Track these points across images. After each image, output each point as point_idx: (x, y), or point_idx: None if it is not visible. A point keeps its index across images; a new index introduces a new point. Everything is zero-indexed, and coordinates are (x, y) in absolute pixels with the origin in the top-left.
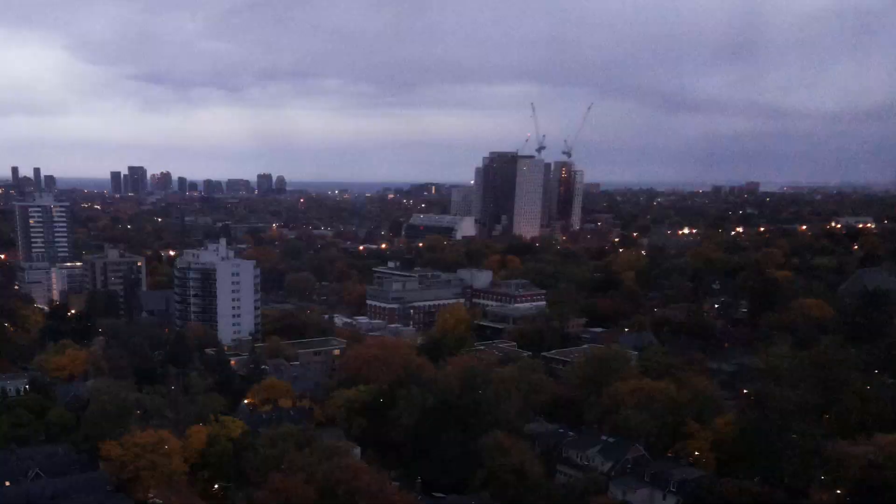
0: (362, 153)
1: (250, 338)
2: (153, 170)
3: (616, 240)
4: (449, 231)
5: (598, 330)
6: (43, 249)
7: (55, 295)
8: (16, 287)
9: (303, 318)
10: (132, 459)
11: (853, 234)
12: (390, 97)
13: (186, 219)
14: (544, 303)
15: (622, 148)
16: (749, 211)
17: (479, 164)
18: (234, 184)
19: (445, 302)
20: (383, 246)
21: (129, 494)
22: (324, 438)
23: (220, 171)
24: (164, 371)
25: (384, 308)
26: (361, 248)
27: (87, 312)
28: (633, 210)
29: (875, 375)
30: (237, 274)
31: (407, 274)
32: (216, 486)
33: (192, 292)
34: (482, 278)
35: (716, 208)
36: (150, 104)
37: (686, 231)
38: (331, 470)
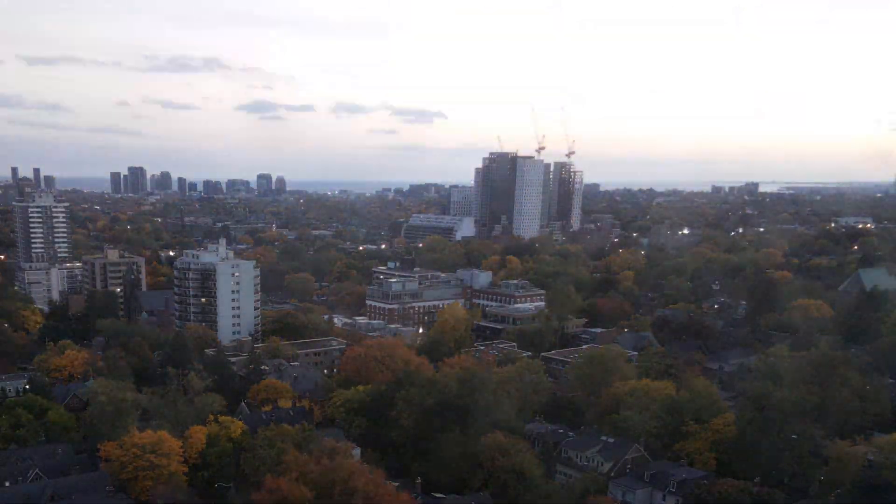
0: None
1: (250, 338)
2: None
3: (616, 240)
4: (448, 231)
5: (598, 330)
6: (42, 249)
7: (55, 295)
8: (15, 287)
9: (302, 318)
10: (131, 460)
11: (853, 234)
12: None
13: (186, 219)
14: (544, 303)
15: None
16: (749, 211)
17: (479, 164)
18: (233, 184)
19: (445, 302)
20: (383, 246)
21: (129, 494)
22: (323, 439)
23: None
24: (163, 371)
25: (384, 308)
26: (361, 248)
27: (86, 313)
28: (633, 210)
29: (875, 375)
30: (237, 274)
31: (407, 274)
32: (216, 486)
33: (191, 292)
34: (482, 278)
35: (716, 208)
36: None
37: (686, 231)
38: (327, 470)
